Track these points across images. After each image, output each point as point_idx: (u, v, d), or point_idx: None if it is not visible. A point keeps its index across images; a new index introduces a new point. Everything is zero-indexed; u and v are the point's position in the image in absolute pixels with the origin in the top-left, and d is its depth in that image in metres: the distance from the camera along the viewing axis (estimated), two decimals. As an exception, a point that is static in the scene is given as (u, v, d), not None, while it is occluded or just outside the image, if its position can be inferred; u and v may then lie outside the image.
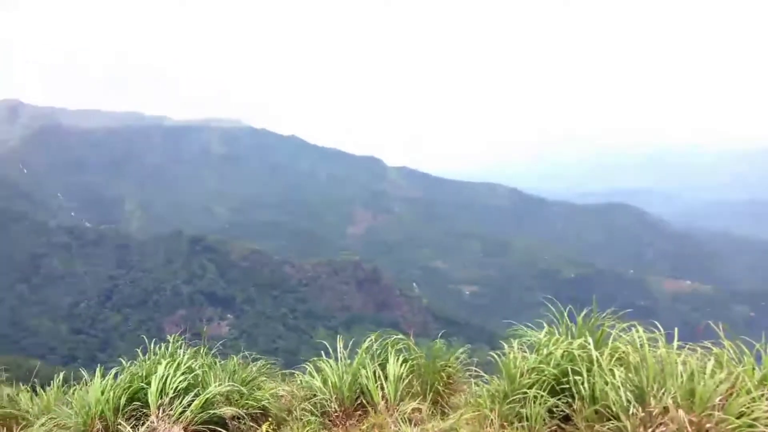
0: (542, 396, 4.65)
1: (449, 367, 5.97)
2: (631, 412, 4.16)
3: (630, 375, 4.40)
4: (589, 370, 4.58)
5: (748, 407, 3.98)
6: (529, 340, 5.40)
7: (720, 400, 4.06)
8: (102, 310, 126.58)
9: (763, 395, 4.06)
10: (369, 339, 5.82)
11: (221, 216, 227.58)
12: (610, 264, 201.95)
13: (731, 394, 4.13)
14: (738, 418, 3.91)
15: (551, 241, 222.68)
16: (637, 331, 4.65)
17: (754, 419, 3.89)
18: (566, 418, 4.67)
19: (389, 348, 5.78)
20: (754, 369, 4.31)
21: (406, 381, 5.49)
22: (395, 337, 5.92)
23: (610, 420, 4.28)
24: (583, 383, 4.52)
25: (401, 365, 5.52)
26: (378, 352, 5.84)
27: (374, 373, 5.46)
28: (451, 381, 5.98)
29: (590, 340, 4.77)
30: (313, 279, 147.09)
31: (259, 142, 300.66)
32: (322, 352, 5.92)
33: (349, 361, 5.72)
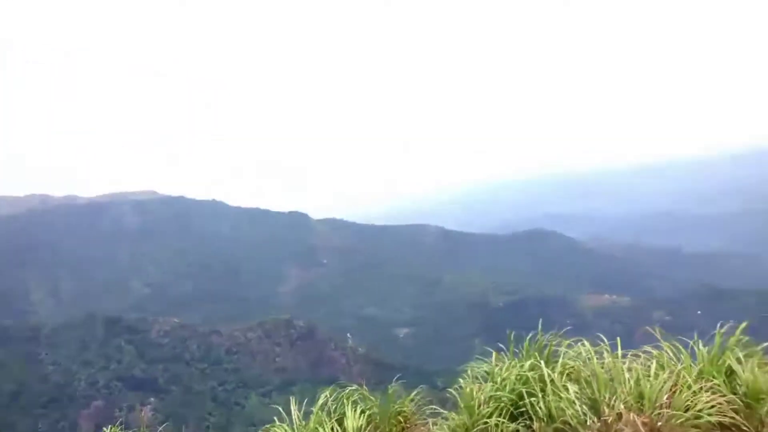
0: (503, 423, 4.68)
1: (404, 410, 5.89)
2: (588, 423, 4.30)
3: (582, 388, 4.56)
4: (543, 390, 4.70)
5: (691, 401, 4.29)
6: (481, 371, 5.45)
7: (667, 399, 4.33)
8: (9, 415, 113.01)
9: (701, 388, 4.37)
10: (324, 395, 5.62)
11: (139, 293, 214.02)
12: (535, 288, 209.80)
13: (675, 392, 4.41)
14: (685, 411, 4.18)
15: (479, 273, 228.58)
16: (584, 345, 4.86)
17: (699, 410, 4.21)
18: (528, 441, 4.71)
19: (345, 401, 5.62)
20: (691, 366, 4.65)
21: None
22: (350, 389, 5.76)
23: (570, 435, 4.37)
24: (539, 403, 4.63)
25: (359, 417, 5.37)
26: (333, 407, 5.66)
27: (332, 429, 5.27)
28: (407, 425, 5.89)
29: (541, 360, 4.90)
30: (243, 345, 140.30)
31: (176, 211, 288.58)
32: (275, 418, 5.62)
33: (304, 422, 5.46)
